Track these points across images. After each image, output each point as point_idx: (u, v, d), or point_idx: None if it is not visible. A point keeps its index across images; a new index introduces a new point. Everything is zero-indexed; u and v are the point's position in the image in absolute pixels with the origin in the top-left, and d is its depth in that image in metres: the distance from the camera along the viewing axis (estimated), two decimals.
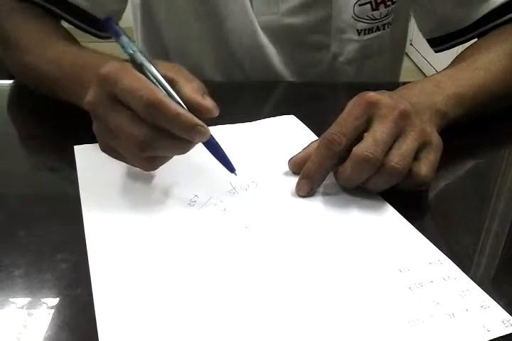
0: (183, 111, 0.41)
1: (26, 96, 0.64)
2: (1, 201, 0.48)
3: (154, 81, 0.43)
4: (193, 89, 0.43)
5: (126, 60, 0.44)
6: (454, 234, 0.44)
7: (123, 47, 0.44)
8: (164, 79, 0.43)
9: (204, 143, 0.44)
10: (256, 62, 0.76)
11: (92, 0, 0.68)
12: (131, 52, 0.44)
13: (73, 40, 0.66)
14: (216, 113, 0.43)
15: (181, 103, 0.42)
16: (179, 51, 0.78)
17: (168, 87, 0.43)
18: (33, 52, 0.61)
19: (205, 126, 0.42)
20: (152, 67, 0.43)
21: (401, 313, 0.35)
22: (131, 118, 0.41)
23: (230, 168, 0.46)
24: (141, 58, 0.43)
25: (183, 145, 0.43)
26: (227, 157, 0.46)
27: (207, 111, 0.42)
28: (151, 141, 0.42)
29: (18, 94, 0.65)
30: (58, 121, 0.59)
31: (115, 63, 0.43)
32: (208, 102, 0.42)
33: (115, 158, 0.47)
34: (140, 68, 0.43)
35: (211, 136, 0.44)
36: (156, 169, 0.46)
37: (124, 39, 0.44)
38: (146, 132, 0.41)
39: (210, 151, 0.45)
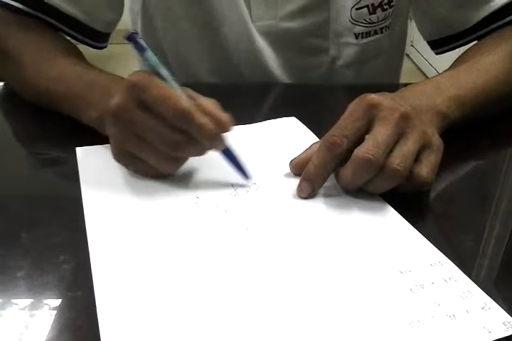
0: (208, 121, 0.44)
1: (24, 99, 0.64)
2: (3, 203, 0.48)
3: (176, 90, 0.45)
4: (212, 104, 0.46)
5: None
6: (454, 235, 0.44)
7: (147, 60, 0.46)
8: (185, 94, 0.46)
9: (222, 152, 0.48)
10: (254, 66, 0.76)
11: (88, 11, 0.68)
12: (157, 66, 0.45)
13: (77, 53, 0.66)
14: (230, 128, 0.45)
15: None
16: (177, 56, 0.78)
17: (186, 97, 0.45)
18: (33, 67, 0.61)
19: (224, 135, 0.46)
20: (174, 81, 0.45)
21: (402, 315, 0.35)
22: (163, 122, 0.44)
23: (246, 176, 0.49)
24: (165, 72, 0.45)
25: (205, 149, 0.47)
26: (243, 164, 0.49)
27: (225, 125, 0.45)
28: (183, 142, 0.45)
29: (18, 96, 0.65)
30: (60, 123, 0.59)
31: (142, 72, 0.46)
32: (226, 117, 0.45)
33: (128, 166, 0.49)
34: (163, 80, 0.45)
35: (229, 145, 0.47)
36: (176, 170, 0.49)
37: (149, 53, 0.46)
38: (179, 133, 0.44)
39: (227, 158, 0.48)
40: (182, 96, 0.44)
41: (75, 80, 0.57)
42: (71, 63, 0.60)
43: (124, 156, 0.48)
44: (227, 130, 0.45)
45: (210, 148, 0.47)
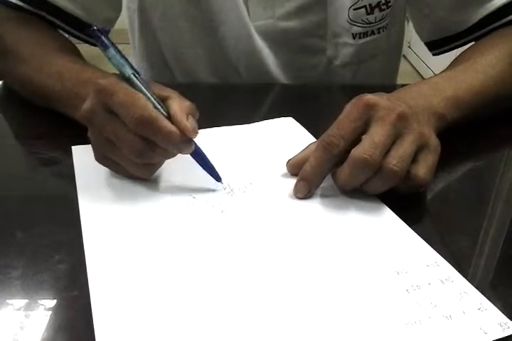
0: (173, 129, 0.43)
1: (23, 97, 0.64)
2: None
3: (143, 95, 0.44)
4: (181, 107, 0.45)
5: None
6: (451, 236, 0.44)
7: (109, 59, 0.45)
8: (158, 95, 0.45)
9: (191, 154, 0.46)
10: (252, 66, 0.76)
11: (87, 9, 0.67)
12: (119, 64, 0.45)
13: (74, 51, 0.66)
14: (194, 136, 0.44)
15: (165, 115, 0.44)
16: (175, 56, 0.78)
17: (156, 101, 0.44)
18: (30, 64, 0.61)
19: (192, 140, 0.45)
20: (139, 80, 0.45)
21: (398, 315, 0.35)
22: (127, 128, 0.43)
23: (216, 178, 0.48)
24: (128, 71, 0.45)
25: (171, 154, 0.46)
26: (213, 166, 0.48)
27: (186, 132, 0.44)
28: (147, 148, 0.44)
29: (14, 94, 0.65)
30: (57, 121, 0.59)
31: (112, 76, 0.45)
32: (189, 124, 0.44)
33: (109, 167, 0.48)
34: (128, 81, 0.44)
35: (197, 147, 0.46)
36: (152, 175, 0.48)
37: (112, 51, 0.45)
38: (143, 141, 0.44)
39: (196, 161, 0.47)
40: (147, 103, 0.43)
41: (71, 79, 0.57)
42: (69, 61, 0.60)
43: (102, 159, 0.48)
44: (192, 137, 0.45)
45: (177, 154, 0.46)
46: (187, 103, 0.46)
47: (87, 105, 0.45)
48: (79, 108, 0.51)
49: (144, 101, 0.43)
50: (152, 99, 0.44)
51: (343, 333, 0.34)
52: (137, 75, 0.45)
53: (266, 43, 0.75)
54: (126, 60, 0.45)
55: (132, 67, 0.45)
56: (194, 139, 0.45)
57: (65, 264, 0.40)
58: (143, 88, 0.44)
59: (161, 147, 0.44)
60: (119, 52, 0.45)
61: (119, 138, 0.44)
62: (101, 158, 0.48)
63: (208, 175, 0.48)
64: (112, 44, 0.45)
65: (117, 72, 0.45)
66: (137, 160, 0.45)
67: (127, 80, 0.45)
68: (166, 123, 0.43)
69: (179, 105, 0.45)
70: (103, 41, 0.45)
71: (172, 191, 0.48)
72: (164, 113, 0.44)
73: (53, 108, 0.59)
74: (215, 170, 0.48)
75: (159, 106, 0.44)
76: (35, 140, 0.58)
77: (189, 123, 0.44)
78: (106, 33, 0.45)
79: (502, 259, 0.42)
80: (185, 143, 0.44)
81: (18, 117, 0.64)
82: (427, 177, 0.45)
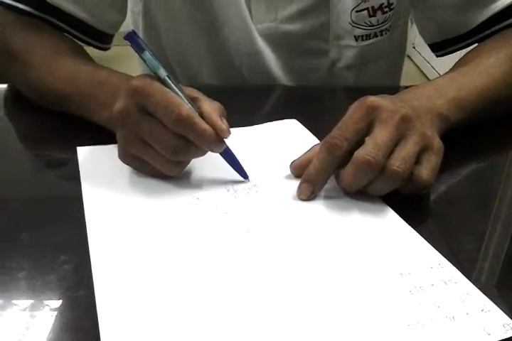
0: (208, 128, 0.45)
1: (28, 99, 0.64)
2: (4, 203, 0.48)
3: (177, 95, 0.46)
4: (213, 108, 0.47)
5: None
6: (454, 237, 0.44)
7: (145, 61, 0.46)
8: (187, 96, 0.46)
9: (220, 153, 0.49)
10: (254, 68, 0.76)
11: (93, 13, 0.68)
12: (155, 66, 0.46)
13: (84, 53, 0.66)
14: (228, 136, 0.46)
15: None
16: (179, 58, 0.78)
17: (188, 101, 0.46)
18: (41, 68, 0.61)
19: (223, 140, 0.47)
20: (172, 82, 0.46)
21: (401, 316, 0.35)
22: (163, 127, 0.45)
23: (244, 176, 0.50)
24: (163, 73, 0.46)
25: (204, 151, 0.48)
26: (241, 165, 0.50)
27: (220, 132, 0.46)
28: (183, 146, 0.46)
29: (20, 96, 0.66)
30: (61, 123, 0.59)
31: (145, 77, 0.46)
32: (224, 125, 0.46)
33: (133, 166, 0.50)
34: (162, 82, 0.46)
35: (227, 146, 0.48)
36: (181, 173, 0.49)
37: (148, 54, 0.46)
38: (179, 139, 0.45)
39: (225, 160, 0.49)
40: (182, 102, 0.45)
41: (85, 80, 0.57)
42: (80, 63, 0.61)
43: (129, 158, 0.49)
44: (225, 137, 0.46)
45: (207, 152, 0.47)
46: (217, 104, 0.48)
47: (120, 105, 0.46)
48: (96, 109, 0.52)
49: (180, 101, 0.45)
50: (185, 99, 0.46)
51: (346, 334, 0.34)
52: (171, 77, 0.46)
53: (268, 46, 0.75)
54: (161, 62, 0.46)
55: (166, 70, 0.46)
56: None
57: (71, 264, 0.40)
58: (176, 89, 0.46)
59: (195, 145, 0.46)
60: (153, 55, 0.46)
61: (155, 136, 0.45)
62: (128, 156, 0.48)
63: (235, 172, 0.50)
64: (147, 47, 0.46)
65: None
66: (171, 157, 0.46)
67: (162, 81, 0.46)
68: (202, 122, 0.45)
69: (211, 106, 0.47)
70: (139, 44, 0.46)
71: (177, 192, 0.48)
72: (196, 113, 0.46)
73: (67, 110, 0.59)
74: (242, 168, 0.50)
75: (192, 107, 0.46)
76: (41, 142, 0.58)
77: (223, 123, 0.46)
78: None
79: (505, 261, 0.42)
80: (217, 142, 0.46)
81: (24, 119, 0.64)
82: (429, 178, 0.45)
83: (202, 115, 0.46)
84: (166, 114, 0.44)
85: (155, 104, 0.45)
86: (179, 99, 0.45)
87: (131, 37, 0.46)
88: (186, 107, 0.45)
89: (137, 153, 0.48)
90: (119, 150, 0.49)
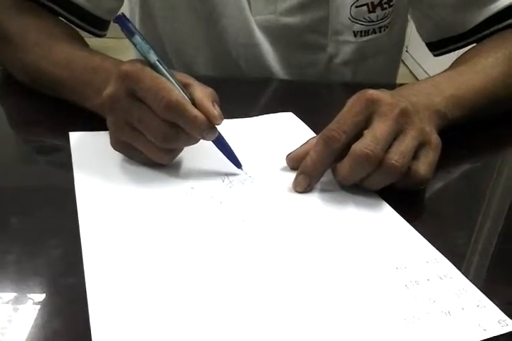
0: (199, 114, 0.44)
1: (21, 83, 0.63)
2: None
3: (168, 81, 0.44)
4: (205, 94, 0.46)
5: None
6: (450, 233, 0.44)
7: (136, 45, 0.45)
8: (179, 81, 0.45)
9: (213, 141, 0.47)
10: (252, 60, 0.76)
11: None
12: (145, 51, 0.45)
13: (80, 38, 0.65)
14: (220, 122, 0.45)
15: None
16: (175, 47, 0.78)
17: (179, 87, 0.45)
18: (36, 52, 0.60)
19: (215, 127, 0.45)
20: (163, 66, 0.45)
21: (397, 310, 0.35)
22: (153, 113, 0.44)
23: (237, 164, 0.49)
24: (154, 58, 0.45)
25: (196, 139, 0.46)
26: (234, 153, 0.49)
27: (212, 119, 0.45)
28: (173, 134, 0.44)
29: (12, 81, 0.64)
30: (54, 108, 0.58)
31: (136, 62, 0.45)
32: (215, 110, 0.45)
33: (124, 153, 0.48)
34: (153, 68, 0.45)
35: (219, 134, 0.47)
36: (172, 161, 0.48)
37: (138, 38, 0.45)
38: (169, 126, 0.44)
39: (218, 148, 0.48)
40: (173, 88, 0.44)
41: (80, 66, 0.56)
42: (75, 48, 0.60)
43: (120, 145, 0.48)
44: (217, 123, 0.45)
45: (199, 140, 0.46)
46: (209, 89, 0.47)
47: (109, 90, 0.45)
48: (90, 96, 0.51)
49: (171, 87, 0.44)
50: (176, 85, 0.45)
51: (341, 328, 0.33)
52: (161, 62, 0.45)
53: (267, 38, 0.74)
54: (151, 47, 0.45)
55: (156, 54, 0.45)
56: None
57: (61, 250, 0.39)
58: (167, 74, 0.45)
59: (186, 132, 0.44)
60: (144, 39, 0.45)
61: (145, 122, 0.44)
62: (118, 143, 0.47)
63: (228, 161, 0.49)
64: (138, 31, 0.45)
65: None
66: (161, 144, 0.45)
67: (152, 66, 0.45)
68: (193, 109, 0.44)
69: (202, 92, 0.46)
70: (129, 28, 0.45)
71: (170, 181, 0.47)
72: (188, 99, 0.45)
73: (60, 95, 0.58)
74: (235, 156, 0.49)
75: (183, 93, 0.45)
76: (33, 126, 0.57)
77: (215, 109, 0.45)
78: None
79: (501, 257, 0.42)
80: (209, 129, 0.45)
81: (16, 104, 0.63)
82: (427, 174, 0.45)
83: (193, 101, 0.45)
84: (155, 100, 0.43)
85: (145, 89, 0.43)
86: (170, 85, 0.44)
87: (120, 19, 0.45)
88: (177, 93, 0.44)
89: (127, 140, 0.46)
90: (110, 137, 0.48)
